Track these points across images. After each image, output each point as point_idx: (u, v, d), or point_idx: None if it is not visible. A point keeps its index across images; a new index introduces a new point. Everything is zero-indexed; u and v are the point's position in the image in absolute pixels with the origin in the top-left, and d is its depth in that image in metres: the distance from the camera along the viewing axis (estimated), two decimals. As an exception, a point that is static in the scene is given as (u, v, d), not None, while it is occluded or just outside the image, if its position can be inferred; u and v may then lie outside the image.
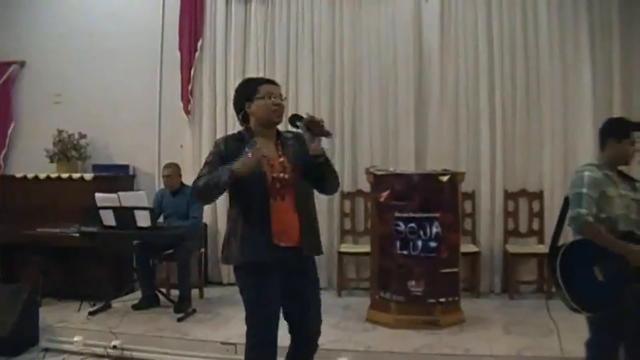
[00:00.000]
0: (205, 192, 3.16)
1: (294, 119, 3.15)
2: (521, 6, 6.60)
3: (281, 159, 3.20)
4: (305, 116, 3.13)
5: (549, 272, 3.60)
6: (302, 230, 3.18)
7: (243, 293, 3.27)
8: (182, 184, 6.36)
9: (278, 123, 3.28)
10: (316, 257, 3.37)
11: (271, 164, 3.16)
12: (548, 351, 4.01)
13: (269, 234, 3.11)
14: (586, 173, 3.43)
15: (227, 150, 3.21)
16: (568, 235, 3.56)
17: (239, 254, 3.17)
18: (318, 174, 3.18)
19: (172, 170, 6.29)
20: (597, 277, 3.33)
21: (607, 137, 3.54)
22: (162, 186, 6.55)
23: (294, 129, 3.23)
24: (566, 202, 3.52)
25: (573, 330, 3.65)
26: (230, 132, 6.86)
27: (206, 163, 3.25)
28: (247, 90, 3.30)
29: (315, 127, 3.08)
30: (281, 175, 3.16)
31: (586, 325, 3.48)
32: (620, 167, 3.56)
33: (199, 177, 3.19)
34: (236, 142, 3.25)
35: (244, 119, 3.32)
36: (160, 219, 6.21)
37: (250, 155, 3.00)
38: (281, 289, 3.20)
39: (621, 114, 5.83)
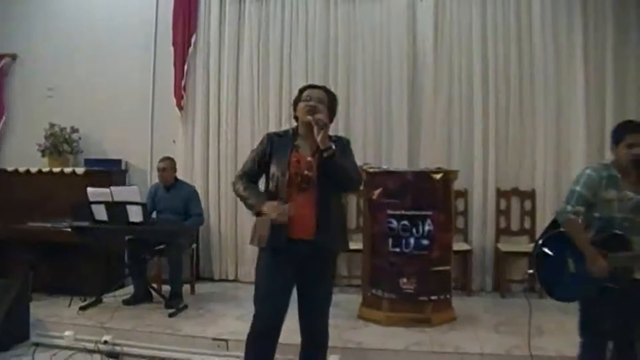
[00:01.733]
0: (237, 196, 3.59)
1: (311, 115, 3.38)
2: (515, 6, 6.61)
3: (309, 158, 3.41)
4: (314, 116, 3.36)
5: (531, 260, 3.68)
6: (318, 225, 3.34)
7: (255, 274, 3.55)
8: (177, 179, 6.36)
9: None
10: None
11: (298, 160, 3.41)
12: (537, 350, 4.02)
13: (285, 225, 3.32)
14: (587, 171, 3.51)
15: (267, 146, 3.53)
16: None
17: (259, 238, 3.44)
18: (329, 171, 3.33)
19: (168, 164, 6.28)
20: (569, 268, 3.46)
21: (611, 140, 3.59)
22: (155, 181, 6.54)
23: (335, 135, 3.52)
24: None
25: (561, 330, 3.67)
26: (222, 128, 6.97)
27: (249, 157, 3.64)
28: (298, 95, 3.62)
29: (318, 122, 3.30)
30: (305, 172, 3.37)
31: (574, 326, 3.53)
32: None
33: (240, 175, 3.60)
34: (280, 138, 3.56)
35: (295, 119, 3.61)
36: (154, 214, 6.19)
37: (279, 211, 3.29)
38: (294, 281, 3.45)
39: (614, 115, 5.89)
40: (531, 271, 3.60)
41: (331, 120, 3.56)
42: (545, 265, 3.54)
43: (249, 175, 3.58)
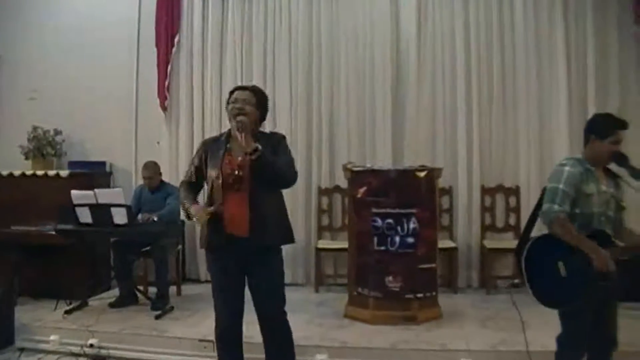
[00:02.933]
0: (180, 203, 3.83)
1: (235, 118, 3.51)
2: (497, 3, 6.65)
3: (240, 158, 3.49)
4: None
5: (516, 265, 3.65)
6: (251, 222, 3.45)
7: (210, 278, 3.76)
8: (162, 182, 6.34)
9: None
10: (292, 253, 3.75)
11: (229, 161, 3.52)
12: (523, 346, 4.04)
13: (222, 224, 3.48)
14: (566, 168, 3.43)
15: (206, 151, 3.68)
16: (542, 229, 3.56)
17: (203, 240, 3.63)
18: (258, 171, 3.42)
19: (152, 172, 6.25)
20: (560, 272, 3.38)
21: (589, 133, 3.52)
22: (140, 182, 6.50)
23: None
24: (543, 194, 3.53)
25: (545, 325, 3.69)
26: (207, 128, 6.97)
27: (189, 165, 3.85)
28: (228, 97, 3.70)
29: (238, 125, 3.41)
30: (236, 172, 3.47)
31: (558, 320, 3.52)
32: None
33: (182, 183, 3.84)
34: (215, 143, 3.70)
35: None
36: (139, 216, 6.16)
37: (199, 213, 3.51)
38: (243, 278, 3.61)
39: (596, 110, 5.90)
40: (517, 281, 3.57)
41: (263, 119, 3.72)
42: (534, 274, 3.46)
43: (187, 183, 3.78)
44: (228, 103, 3.63)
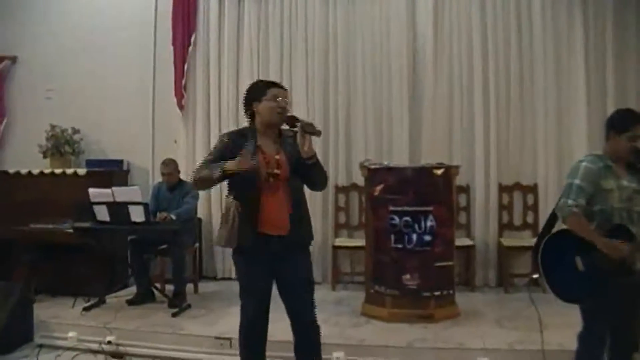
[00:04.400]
0: (201, 182, 3.52)
1: (292, 120, 3.37)
2: (515, 1, 6.60)
3: (277, 156, 3.45)
4: (301, 120, 3.35)
5: (533, 261, 3.62)
6: (292, 221, 3.42)
7: (236, 273, 3.69)
8: (180, 180, 6.37)
9: (280, 125, 3.50)
10: (311, 250, 3.66)
11: (267, 160, 3.42)
12: (540, 345, 4.00)
13: (256, 223, 3.39)
14: (584, 164, 3.42)
15: (230, 144, 3.49)
16: (562, 225, 3.54)
17: (231, 238, 3.46)
18: (306, 173, 3.42)
19: (171, 169, 6.28)
20: (577, 267, 3.37)
21: (609, 129, 3.49)
22: (157, 180, 6.53)
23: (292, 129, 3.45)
24: None
25: (563, 324, 3.66)
26: (223, 127, 6.96)
27: (209, 154, 3.60)
28: (257, 91, 3.53)
29: (309, 129, 3.31)
30: (275, 171, 3.40)
31: (576, 320, 3.49)
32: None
33: (199, 166, 3.53)
34: (239, 138, 3.52)
35: (251, 116, 3.57)
36: (157, 214, 6.18)
37: (243, 158, 3.26)
38: (272, 276, 3.50)
39: (615, 106, 5.82)
40: (536, 276, 3.54)
41: None
42: (552, 269, 3.44)
43: (209, 161, 3.52)
44: (258, 97, 3.48)
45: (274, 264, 3.46)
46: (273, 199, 3.40)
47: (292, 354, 3.66)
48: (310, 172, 3.42)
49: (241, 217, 3.40)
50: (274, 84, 3.57)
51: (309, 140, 3.31)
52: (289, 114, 3.43)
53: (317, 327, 3.59)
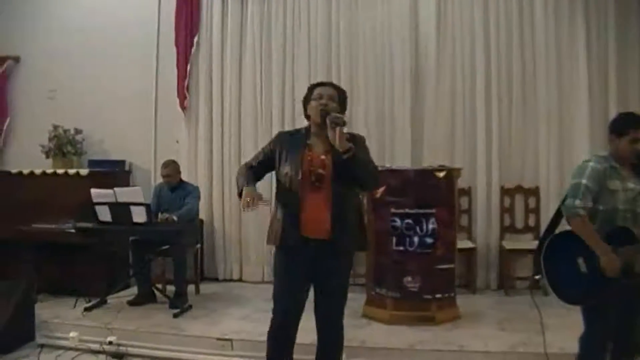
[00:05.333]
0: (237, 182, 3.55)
1: (324, 115, 3.36)
2: (517, 1, 6.60)
3: (323, 156, 3.40)
4: (330, 113, 3.34)
5: (535, 262, 3.62)
6: (333, 224, 3.33)
7: (273, 272, 3.63)
8: (182, 180, 6.38)
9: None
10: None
11: (310, 158, 3.41)
12: (541, 348, 4.01)
13: (298, 224, 3.36)
14: (590, 164, 3.43)
15: (278, 143, 3.56)
16: (566, 226, 3.54)
17: (274, 237, 3.47)
18: (348, 170, 3.31)
19: (171, 170, 6.28)
20: (580, 269, 3.37)
21: (610, 131, 3.52)
22: (159, 181, 6.53)
23: (349, 131, 3.47)
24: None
25: (564, 327, 3.66)
26: (226, 128, 6.99)
27: (258, 152, 3.70)
28: (308, 93, 3.61)
29: (335, 120, 3.27)
30: (319, 170, 3.37)
31: (577, 323, 3.49)
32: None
33: (241, 166, 3.65)
34: (292, 137, 3.58)
35: (307, 118, 3.62)
36: (159, 214, 6.19)
37: (246, 193, 3.35)
38: (309, 279, 3.48)
39: (617, 109, 5.86)
40: (538, 277, 3.55)
41: None
42: (554, 268, 3.46)
43: (251, 167, 3.61)
44: (309, 99, 3.55)
45: (314, 269, 3.42)
46: (315, 200, 3.35)
47: (312, 357, 3.69)
48: (350, 168, 3.28)
49: (284, 217, 3.42)
50: (320, 84, 3.62)
51: (340, 133, 3.24)
52: (329, 111, 3.37)
53: (342, 336, 3.60)
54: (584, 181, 3.37)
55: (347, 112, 6.56)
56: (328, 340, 3.59)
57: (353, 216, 3.45)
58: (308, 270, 3.42)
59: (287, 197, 3.41)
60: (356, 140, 3.45)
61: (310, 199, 3.35)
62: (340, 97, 3.58)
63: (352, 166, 3.26)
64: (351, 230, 3.42)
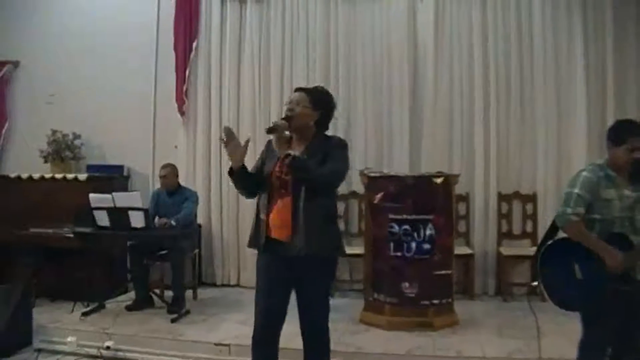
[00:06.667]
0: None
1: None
2: (515, 7, 6.63)
3: (287, 162, 3.32)
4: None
5: (533, 269, 3.63)
6: (294, 228, 3.31)
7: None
8: (180, 185, 6.38)
9: (289, 127, 3.39)
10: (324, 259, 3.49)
11: (280, 165, 3.38)
12: (537, 353, 4.02)
13: (266, 227, 3.40)
14: (583, 173, 3.44)
15: (265, 152, 3.59)
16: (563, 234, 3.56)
17: (249, 240, 3.54)
18: (294, 176, 3.31)
19: (168, 171, 6.29)
20: (576, 275, 3.38)
21: (607, 139, 3.52)
22: (157, 186, 6.54)
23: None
24: None
25: (562, 333, 3.67)
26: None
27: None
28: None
29: (271, 127, 3.31)
30: (283, 176, 3.36)
31: (575, 328, 3.50)
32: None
33: None
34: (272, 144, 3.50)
35: None
36: (156, 219, 6.20)
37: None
38: (290, 282, 3.44)
39: (615, 116, 5.86)
40: (535, 283, 3.56)
41: (325, 120, 3.56)
42: (551, 275, 3.46)
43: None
44: None
45: (289, 271, 3.38)
46: (281, 205, 3.36)
47: None
48: (294, 174, 3.29)
49: (256, 220, 3.47)
50: (295, 89, 3.64)
51: (279, 139, 3.28)
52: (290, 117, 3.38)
53: (327, 339, 3.56)
54: (575, 190, 3.39)
55: (347, 117, 6.73)
56: (313, 345, 3.55)
57: (318, 221, 3.35)
58: (284, 274, 3.40)
59: (260, 200, 3.48)
60: (327, 144, 3.45)
61: (278, 203, 3.38)
62: (314, 100, 3.49)
63: (292, 171, 3.27)
64: (314, 235, 3.30)
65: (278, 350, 3.53)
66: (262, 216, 3.43)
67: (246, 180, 3.50)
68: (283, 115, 3.43)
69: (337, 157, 3.41)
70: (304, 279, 3.41)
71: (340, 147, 3.50)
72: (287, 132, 3.36)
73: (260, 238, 3.42)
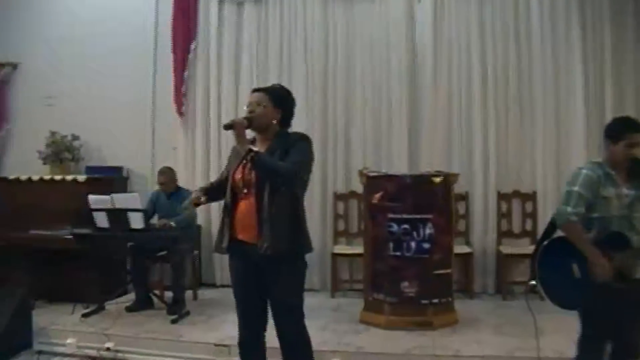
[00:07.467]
0: None
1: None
2: (513, 6, 6.64)
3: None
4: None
5: (531, 267, 3.62)
6: (259, 228, 3.29)
7: None
8: (179, 187, 6.39)
9: (250, 127, 3.40)
10: (308, 258, 3.50)
11: (244, 164, 3.39)
12: (535, 351, 4.02)
13: (231, 228, 3.41)
14: (584, 171, 3.43)
15: (231, 152, 3.62)
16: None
17: (214, 245, 3.58)
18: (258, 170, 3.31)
19: (166, 177, 6.30)
20: (574, 274, 3.38)
21: (605, 137, 3.52)
22: (157, 188, 6.53)
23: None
24: None
25: (561, 332, 3.67)
26: (223, 134, 6.99)
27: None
28: None
29: (227, 124, 3.32)
30: (247, 176, 3.37)
31: (574, 327, 3.50)
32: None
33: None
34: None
35: None
36: (155, 220, 6.20)
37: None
38: (261, 285, 3.42)
39: (613, 115, 5.85)
40: (533, 282, 3.55)
41: (287, 117, 3.55)
42: (549, 273, 3.46)
43: (216, 182, 3.72)
44: None
45: (259, 273, 3.38)
46: (246, 206, 3.35)
47: None
48: (257, 170, 3.29)
49: (222, 222, 3.47)
50: (252, 90, 3.62)
51: (238, 137, 3.28)
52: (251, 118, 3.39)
53: (298, 337, 3.47)
54: (576, 188, 3.38)
55: (346, 117, 6.73)
56: (285, 345, 3.47)
57: (284, 220, 3.32)
58: (254, 276, 3.41)
59: (225, 202, 3.47)
60: (288, 140, 3.43)
61: (242, 204, 3.38)
62: (274, 98, 3.48)
63: (255, 166, 3.28)
64: (280, 233, 3.28)
65: (265, 351, 3.56)
66: (226, 218, 3.44)
67: (216, 197, 3.62)
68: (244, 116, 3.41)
69: (299, 148, 3.40)
70: (273, 279, 3.37)
71: (301, 139, 3.47)
72: (251, 132, 3.41)
73: (223, 241, 3.44)
